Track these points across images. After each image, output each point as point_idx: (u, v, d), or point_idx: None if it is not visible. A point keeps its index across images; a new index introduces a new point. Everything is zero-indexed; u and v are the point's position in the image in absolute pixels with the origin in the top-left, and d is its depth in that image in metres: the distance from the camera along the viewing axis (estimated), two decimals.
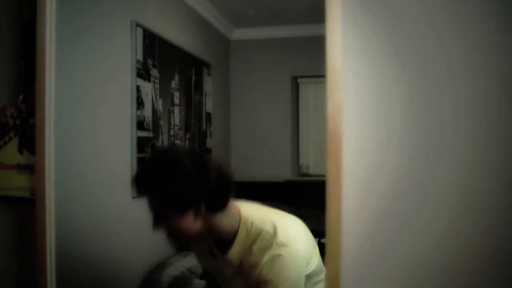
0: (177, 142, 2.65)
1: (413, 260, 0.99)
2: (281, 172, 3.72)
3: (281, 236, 1.15)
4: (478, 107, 0.96)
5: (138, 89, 2.11)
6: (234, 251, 1.17)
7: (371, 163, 1.01)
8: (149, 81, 2.24)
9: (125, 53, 2.03)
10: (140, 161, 2.13)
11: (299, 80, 3.83)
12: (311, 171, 3.83)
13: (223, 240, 1.19)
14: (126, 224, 2.03)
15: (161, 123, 2.39)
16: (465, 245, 0.96)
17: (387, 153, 1.00)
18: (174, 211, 1.10)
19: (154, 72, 2.31)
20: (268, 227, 1.17)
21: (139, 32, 2.13)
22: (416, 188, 0.98)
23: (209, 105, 3.25)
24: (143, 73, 2.17)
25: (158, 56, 2.34)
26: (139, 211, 2.15)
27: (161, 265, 2.22)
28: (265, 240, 1.15)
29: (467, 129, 0.96)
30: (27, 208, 1.42)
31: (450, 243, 0.97)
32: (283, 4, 3.11)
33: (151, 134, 2.26)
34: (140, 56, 2.13)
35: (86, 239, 1.73)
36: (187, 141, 2.82)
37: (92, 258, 1.75)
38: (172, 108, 2.57)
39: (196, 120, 3.00)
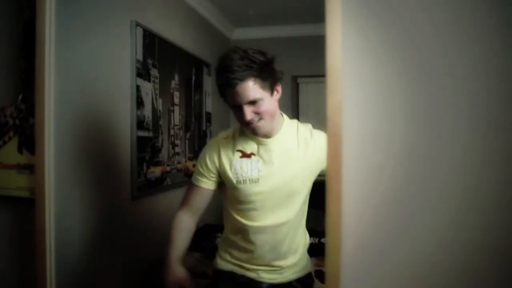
0: (177, 142, 2.65)
1: (413, 260, 0.99)
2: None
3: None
4: (479, 106, 0.95)
5: (138, 88, 2.11)
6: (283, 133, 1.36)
7: (371, 163, 1.01)
8: (149, 80, 2.24)
9: (125, 53, 2.03)
10: (140, 161, 2.13)
11: (299, 80, 3.83)
12: None
13: (270, 132, 1.33)
14: (126, 224, 2.03)
15: (161, 122, 2.39)
16: (465, 246, 0.96)
17: (387, 153, 1.00)
18: (273, 88, 1.28)
19: (154, 72, 2.31)
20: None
21: (139, 32, 2.13)
22: (416, 188, 0.98)
23: (209, 105, 3.25)
24: (143, 72, 2.17)
25: (158, 56, 2.34)
26: (139, 211, 2.16)
27: (161, 265, 2.22)
28: (305, 126, 1.43)
29: (467, 129, 0.96)
30: (27, 208, 1.42)
31: (450, 243, 0.97)
32: (283, 4, 3.11)
33: (151, 134, 2.26)
34: (140, 56, 2.13)
35: (86, 239, 1.73)
36: (187, 141, 2.82)
37: (92, 258, 1.75)
38: (172, 108, 2.57)
39: (196, 120, 3.00)
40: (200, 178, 1.39)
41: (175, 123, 2.62)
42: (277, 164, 1.33)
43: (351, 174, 1.01)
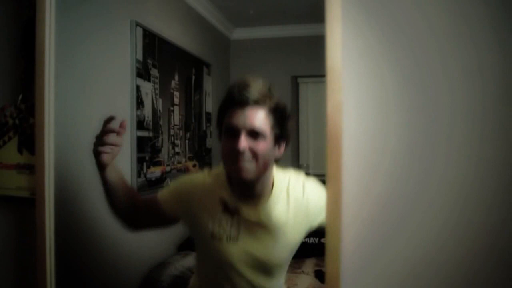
0: (177, 142, 2.65)
1: (412, 258, 0.99)
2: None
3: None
4: (474, 106, 0.96)
5: (138, 88, 2.11)
6: (270, 206, 1.13)
7: (371, 163, 1.01)
8: (149, 80, 2.24)
9: (125, 52, 2.03)
10: (140, 161, 2.13)
11: (299, 80, 3.83)
12: (311, 171, 3.83)
13: (257, 195, 1.13)
14: None
15: (161, 122, 2.39)
16: (461, 243, 0.96)
17: (387, 153, 1.00)
18: (280, 134, 1.11)
19: (154, 72, 2.31)
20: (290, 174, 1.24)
21: (139, 31, 2.13)
22: (414, 187, 0.99)
23: (209, 105, 3.25)
24: (143, 72, 2.17)
25: (158, 56, 2.34)
26: None
27: (161, 265, 2.22)
28: (297, 180, 1.21)
29: (463, 128, 0.97)
30: (27, 208, 1.42)
31: (447, 241, 0.97)
32: (283, 4, 3.11)
33: (151, 134, 2.26)
34: (140, 56, 2.13)
35: (86, 239, 1.73)
36: (187, 141, 2.82)
37: (92, 258, 1.75)
38: (172, 108, 2.57)
39: (196, 120, 2.99)
40: (164, 192, 1.23)
41: (175, 123, 2.62)
42: (261, 236, 1.15)
43: (351, 174, 1.01)
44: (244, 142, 1.04)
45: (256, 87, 1.07)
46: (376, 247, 1.00)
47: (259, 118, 1.06)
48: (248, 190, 1.13)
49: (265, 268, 1.18)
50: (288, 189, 1.20)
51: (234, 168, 1.07)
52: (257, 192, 1.14)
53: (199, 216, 1.14)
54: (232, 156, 1.06)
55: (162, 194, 1.25)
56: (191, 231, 1.21)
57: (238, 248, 1.13)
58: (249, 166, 1.06)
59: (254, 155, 1.06)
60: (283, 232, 1.16)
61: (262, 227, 1.15)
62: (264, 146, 1.07)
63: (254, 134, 1.06)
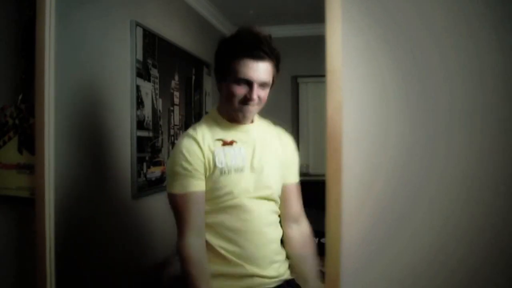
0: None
1: (411, 258, 0.99)
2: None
3: None
4: (474, 105, 0.96)
5: (138, 88, 2.11)
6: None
7: (371, 162, 1.01)
8: (149, 80, 2.24)
9: (125, 52, 2.03)
10: (140, 161, 2.13)
11: (299, 80, 3.83)
12: (311, 171, 3.82)
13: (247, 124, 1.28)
14: (126, 224, 2.03)
15: (161, 122, 2.39)
16: (461, 243, 0.97)
17: (387, 153, 1.00)
18: (273, 80, 1.24)
19: (154, 72, 2.31)
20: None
21: (139, 31, 2.13)
22: (414, 187, 0.99)
23: (209, 105, 3.25)
24: (143, 72, 2.17)
25: (158, 56, 2.34)
26: (139, 211, 2.16)
27: (161, 265, 2.22)
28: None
29: (463, 128, 0.97)
30: (27, 208, 1.42)
31: (447, 241, 0.97)
32: (283, 4, 3.11)
33: (151, 134, 2.26)
34: (140, 56, 2.13)
35: (86, 239, 1.73)
36: None
37: (92, 258, 1.75)
38: (172, 108, 2.56)
39: (196, 119, 2.99)
40: (188, 182, 1.19)
41: (175, 123, 2.62)
42: (259, 150, 1.27)
43: (351, 174, 1.01)
44: (255, 93, 1.18)
45: (268, 43, 1.18)
46: (376, 247, 1.00)
47: (268, 71, 1.20)
48: (249, 118, 1.28)
49: (267, 195, 1.26)
50: (268, 122, 1.39)
51: (242, 111, 1.21)
52: (247, 122, 1.29)
53: (210, 161, 1.21)
54: (241, 101, 1.19)
55: (184, 185, 1.21)
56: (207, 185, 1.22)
57: (245, 178, 1.22)
58: (253, 109, 1.22)
59: (259, 101, 1.22)
60: (276, 148, 1.31)
61: (259, 142, 1.28)
62: (267, 93, 1.23)
63: (263, 84, 1.20)
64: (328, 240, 1.01)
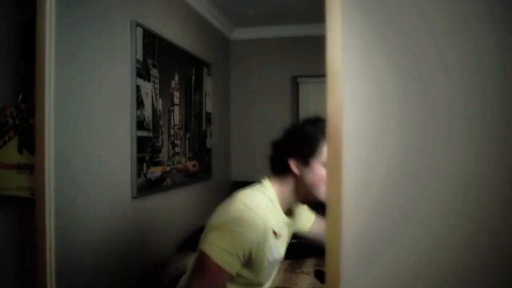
0: (177, 142, 2.65)
1: (411, 258, 0.99)
2: None
3: None
4: (474, 105, 0.96)
5: (138, 88, 2.11)
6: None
7: (371, 162, 1.01)
8: (149, 80, 2.24)
9: (125, 52, 2.03)
10: (140, 161, 2.13)
11: (299, 80, 3.83)
12: None
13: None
14: (126, 224, 2.03)
15: (161, 122, 2.39)
16: (461, 242, 0.97)
17: (387, 153, 1.00)
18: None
19: (154, 72, 2.31)
20: None
21: (139, 32, 2.13)
22: (414, 187, 0.99)
23: (209, 105, 3.25)
24: (143, 72, 2.17)
25: (158, 56, 2.34)
26: (139, 211, 2.16)
27: (161, 265, 2.22)
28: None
29: (463, 127, 0.97)
30: (27, 208, 1.42)
31: (446, 240, 0.97)
32: (283, 4, 3.11)
33: (151, 134, 2.26)
34: (140, 56, 2.13)
35: (86, 239, 1.73)
36: (187, 141, 2.82)
37: (92, 258, 1.75)
38: (172, 108, 2.57)
39: (196, 120, 3.00)
40: (234, 261, 1.10)
41: (175, 123, 2.62)
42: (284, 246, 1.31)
43: (351, 174, 1.01)
44: None
45: None
46: (376, 247, 1.00)
47: None
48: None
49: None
50: None
51: (325, 192, 1.15)
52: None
53: (265, 251, 1.14)
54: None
55: (228, 263, 1.10)
56: (240, 273, 1.15)
57: (276, 269, 1.30)
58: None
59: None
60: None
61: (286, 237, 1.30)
62: None
63: None
64: (328, 240, 1.01)
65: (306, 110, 3.84)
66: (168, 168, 2.48)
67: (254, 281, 1.20)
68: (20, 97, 1.47)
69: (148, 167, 2.23)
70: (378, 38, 1.00)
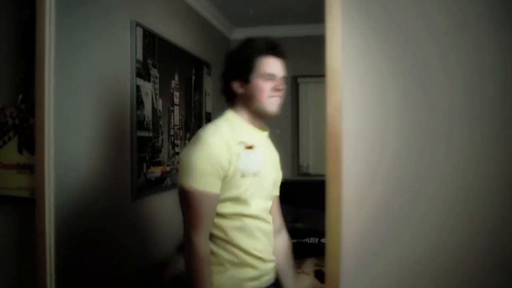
0: (177, 142, 2.65)
1: (411, 258, 0.99)
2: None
3: None
4: (473, 105, 0.96)
5: (138, 89, 2.11)
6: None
7: (371, 162, 1.01)
8: (149, 80, 2.24)
9: (125, 53, 2.03)
10: (140, 161, 2.13)
11: (299, 80, 3.83)
12: (311, 171, 3.83)
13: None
14: (126, 224, 2.03)
15: (161, 122, 2.39)
16: (461, 242, 0.97)
17: (386, 152, 1.00)
18: None
19: (154, 72, 2.31)
20: None
21: (139, 32, 2.13)
22: (413, 187, 0.99)
23: (209, 105, 3.25)
24: (143, 72, 2.17)
25: (158, 56, 2.34)
26: (139, 211, 2.16)
27: (161, 265, 2.22)
28: None
29: (463, 127, 0.97)
30: (27, 208, 1.42)
31: (446, 240, 0.97)
32: (283, 4, 3.11)
33: (151, 134, 2.26)
34: (140, 56, 2.13)
35: (86, 239, 1.73)
36: (187, 141, 2.82)
37: (92, 258, 1.75)
38: (172, 108, 2.57)
39: (196, 120, 3.00)
40: (212, 180, 1.17)
41: (175, 123, 2.62)
42: (267, 157, 1.30)
43: (351, 174, 1.01)
44: (283, 84, 1.26)
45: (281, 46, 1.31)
46: (376, 247, 1.00)
47: (284, 68, 1.29)
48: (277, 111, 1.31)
49: (269, 195, 1.31)
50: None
51: (274, 104, 1.25)
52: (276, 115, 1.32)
53: (235, 163, 1.20)
54: (269, 95, 1.25)
55: (207, 183, 1.17)
56: (223, 189, 1.21)
57: (259, 181, 1.25)
58: (280, 102, 1.27)
59: (283, 94, 1.28)
60: (275, 158, 1.37)
61: (267, 151, 1.32)
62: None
63: (282, 78, 1.28)
64: (328, 240, 1.01)
65: (306, 110, 3.84)
66: (168, 168, 2.48)
67: (238, 199, 1.21)
68: (20, 97, 1.46)
69: (148, 167, 2.23)
70: (378, 38, 1.00)
